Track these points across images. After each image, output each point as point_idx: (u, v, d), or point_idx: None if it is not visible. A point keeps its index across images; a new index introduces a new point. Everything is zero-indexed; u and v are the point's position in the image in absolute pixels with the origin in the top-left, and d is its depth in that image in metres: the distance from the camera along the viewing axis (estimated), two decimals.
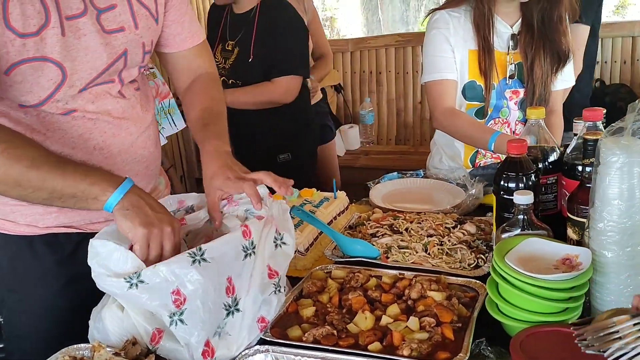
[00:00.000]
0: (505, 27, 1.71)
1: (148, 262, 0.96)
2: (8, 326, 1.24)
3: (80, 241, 1.18)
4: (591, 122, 1.17)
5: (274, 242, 1.09)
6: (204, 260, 0.95)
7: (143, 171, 1.24)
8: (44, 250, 1.18)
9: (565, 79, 1.78)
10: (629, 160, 0.93)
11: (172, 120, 1.91)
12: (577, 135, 1.25)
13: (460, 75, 1.72)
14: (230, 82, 2.23)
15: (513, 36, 1.71)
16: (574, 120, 1.35)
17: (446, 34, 1.71)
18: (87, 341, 1.00)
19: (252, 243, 1.03)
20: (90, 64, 1.09)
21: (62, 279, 1.19)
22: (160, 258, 0.98)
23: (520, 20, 1.71)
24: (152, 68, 1.88)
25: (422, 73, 1.80)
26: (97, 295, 1.03)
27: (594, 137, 1.10)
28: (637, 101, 1.01)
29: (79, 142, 1.12)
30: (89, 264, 0.96)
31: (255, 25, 2.17)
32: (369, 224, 1.42)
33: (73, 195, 0.99)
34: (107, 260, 0.95)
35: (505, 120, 1.76)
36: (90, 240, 0.97)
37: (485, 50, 1.68)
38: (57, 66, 1.04)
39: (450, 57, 1.71)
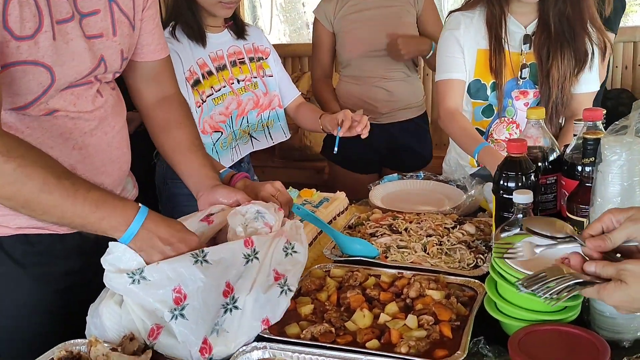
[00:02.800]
0: (518, 27, 1.71)
1: None
2: None
3: (51, 242, 1.16)
4: (591, 122, 1.17)
5: (284, 250, 1.10)
6: (206, 261, 0.98)
7: (116, 172, 1.24)
8: (16, 250, 1.14)
9: (589, 82, 1.73)
10: (631, 158, 0.93)
11: (270, 133, 1.89)
12: (577, 135, 1.25)
13: (468, 74, 1.74)
14: None
15: (526, 37, 1.70)
16: (574, 122, 1.35)
17: (456, 34, 1.73)
18: (81, 337, 1.00)
19: (255, 250, 1.05)
20: (76, 69, 1.09)
21: (34, 280, 1.15)
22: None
23: (536, 21, 1.69)
24: (255, 78, 1.87)
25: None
26: (71, 294, 1.06)
27: (594, 137, 1.10)
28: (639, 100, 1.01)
29: (58, 142, 1.11)
30: (101, 262, 0.98)
31: None
32: (368, 223, 1.42)
33: (82, 226, 1.00)
34: (116, 260, 0.97)
35: (511, 120, 1.75)
36: (109, 242, 0.99)
37: (495, 50, 1.68)
38: (47, 70, 1.03)
39: (459, 58, 1.73)
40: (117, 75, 1.24)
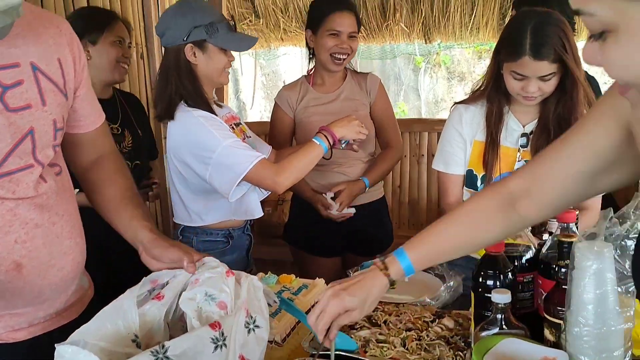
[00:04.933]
0: (517, 125, 1.76)
1: None
2: None
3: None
4: (565, 224, 1.21)
5: (246, 327, 1.03)
6: (167, 358, 0.89)
7: (69, 265, 1.16)
8: None
9: None
10: (603, 266, 0.96)
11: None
12: (552, 234, 1.28)
13: (464, 164, 1.81)
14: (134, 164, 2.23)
15: (523, 135, 1.75)
16: (549, 220, 1.39)
17: (458, 127, 1.81)
18: None
19: (223, 334, 0.97)
20: None
21: None
22: None
23: (536, 121, 1.74)
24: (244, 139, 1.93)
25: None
26: None
27: (569, 240, 1.13)
28: (608, 209, 1.06)
29: None
30: None
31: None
32: None
33: None
34: None
35: None
36: (55, 345, 0.91)
37: (490, 145, 1.74)
38: None
39: (461, 151, 1.80)
40: (57, 149, 1.16)
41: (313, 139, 1.87)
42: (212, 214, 1.90)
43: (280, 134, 2.36)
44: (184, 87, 1.80)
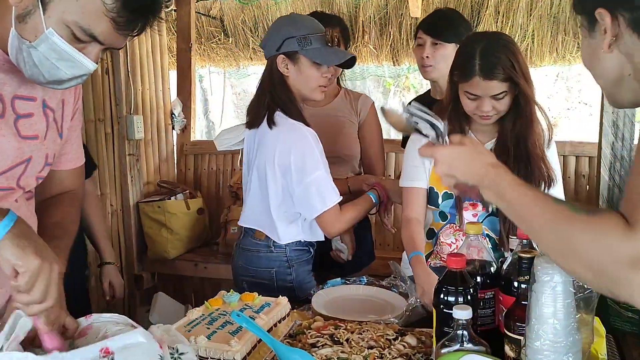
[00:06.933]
0: None
1: (30, 305, 0.91)
2: None
3: None
4: (526, 240, 1.22)
5: (172, 358, 1.03)
6: None
7: None
8: None
9: None
10: (563, 280, 0.97)
11: None
12: (513, 251, 1.29)
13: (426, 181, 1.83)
14: None
15: None
16: (510, 236, 1.40)
17: (418, 145, 1.79)
18: None
19: None
20: None
21: None
22: (43, 300, 0.93)
23: (495, 139, 1.76)
24: None
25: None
26: None
27: (529, 255, 1.14)
28: None
29: None
30: None
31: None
32: (309, 332, 1.39)
33: None
34: None
35: (459, 228, 1.81)
36: None
37: None
38: None
39: (422, 166, 1.82)
40: (40, 180, 1.22)
41: (369, 194, 1.94)
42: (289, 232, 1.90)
43: None
44: (279, 96, 1.81)
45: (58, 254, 1.09)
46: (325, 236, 1.92)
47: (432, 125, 1.12)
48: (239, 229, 2.17)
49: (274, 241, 1.89)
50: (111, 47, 1.08)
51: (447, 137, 1.12)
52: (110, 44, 1.06)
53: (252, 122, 1.88)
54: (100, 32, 1.02)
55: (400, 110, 1.15)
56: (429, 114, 1.13)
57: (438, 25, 2.25)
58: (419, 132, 1.15)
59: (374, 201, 1.94)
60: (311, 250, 1.96)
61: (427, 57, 2.23)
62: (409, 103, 1.12)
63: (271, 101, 1.82)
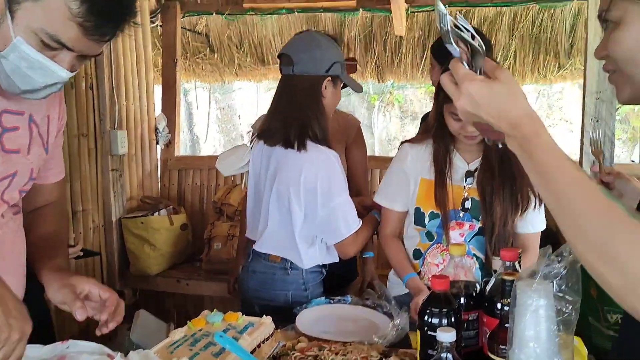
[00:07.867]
0: (462, 163, 1.81)
1: None
2: None
3: None
4: (508, 262, 1.23)
5: None
6: None
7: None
8: None
9: (535, 223, 1.81)
10: (542, 304, 0.98)
11: None
12: (496, 273, 1.30)
13: (411, 201, 1.84)
14: None
15: (468, 172, 1.79)
16: (493, 257, 1.41)
17: (403, 166, 1.86)
18: None
19: None
20: None
21: None
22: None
23: (480, 159, 1.79)
24: None
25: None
26: None
27: (511, 278, 1.15)
28: (547, 247, 1.08)
29: None
30: None
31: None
32: (293, 354, 1.38)
33: None
34: None
35: (445, 248, 1.82)
36: None
37: (439, 183, 1.78)
38: None
39: (404, 189, 1.84)
40: (23, 194, 1.22)
41: (374, 214, 1.97)
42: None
43: None
44: (318, 119, 1.81)
45: (63, 260, 1.21)
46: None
47: (471, 47, 0.91)
48: (223, 247, 2.17)
49: (291, 263, 1.88)
50: (85, 54, 1.04)
51: (482, 68, 0.91)
52: (82, 50, 1.02)
53: (271, 137, 1.86)
54: (68, 38, 0.99)
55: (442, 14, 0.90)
56: (473, 33, 0.92)
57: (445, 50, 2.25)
58: (451, 46, 0.94)
59: (378, 220, 1.96)
60: (324, 271, 1.97)
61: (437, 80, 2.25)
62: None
63: (311, 120, 1.81)
